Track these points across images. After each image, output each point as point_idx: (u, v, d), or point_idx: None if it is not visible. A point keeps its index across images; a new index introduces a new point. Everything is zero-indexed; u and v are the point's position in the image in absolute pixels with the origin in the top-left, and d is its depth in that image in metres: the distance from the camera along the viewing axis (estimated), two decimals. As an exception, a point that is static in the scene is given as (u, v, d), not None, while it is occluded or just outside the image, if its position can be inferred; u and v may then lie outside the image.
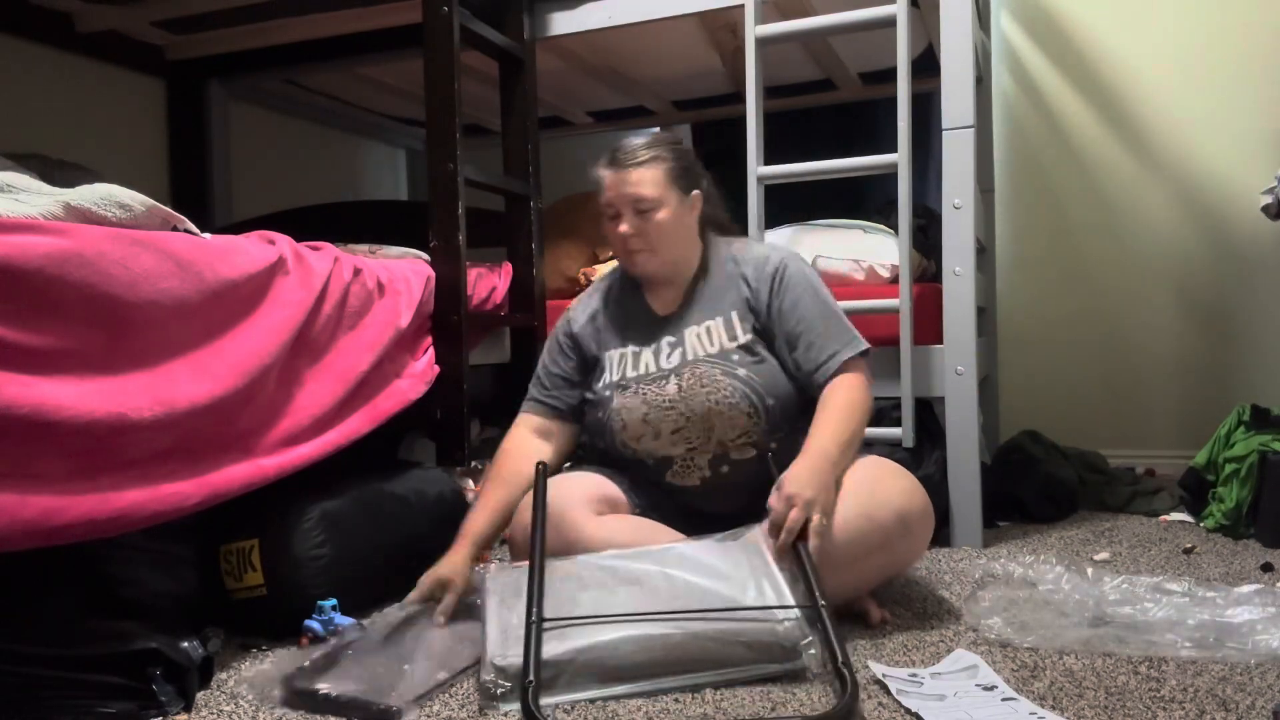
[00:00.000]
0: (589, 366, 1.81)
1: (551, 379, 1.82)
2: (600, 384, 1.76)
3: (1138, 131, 2.94)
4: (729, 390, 1.66)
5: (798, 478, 1.47)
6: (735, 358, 1.69)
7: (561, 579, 1.42)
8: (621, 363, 1.75)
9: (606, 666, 1.28)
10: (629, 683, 1.28)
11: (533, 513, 1.54)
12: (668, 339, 1.74)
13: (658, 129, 3.58)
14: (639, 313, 1.80)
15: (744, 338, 1.71)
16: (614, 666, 1.28)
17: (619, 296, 1.84)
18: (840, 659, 1.24)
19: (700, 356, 1.70)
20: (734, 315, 1.73)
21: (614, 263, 2.59)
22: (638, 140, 1.74)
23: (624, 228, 1.70)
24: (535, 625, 1.28)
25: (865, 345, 1.70)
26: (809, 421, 1.62)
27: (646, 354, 1.74)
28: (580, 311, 1.86)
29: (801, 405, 1.69)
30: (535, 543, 1.46)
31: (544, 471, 1.64)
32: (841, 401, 1.62)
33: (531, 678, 1.21)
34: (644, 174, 1.70)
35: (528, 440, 1.78)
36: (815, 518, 1.43)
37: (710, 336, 1.72)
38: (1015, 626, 1.48)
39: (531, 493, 1.71)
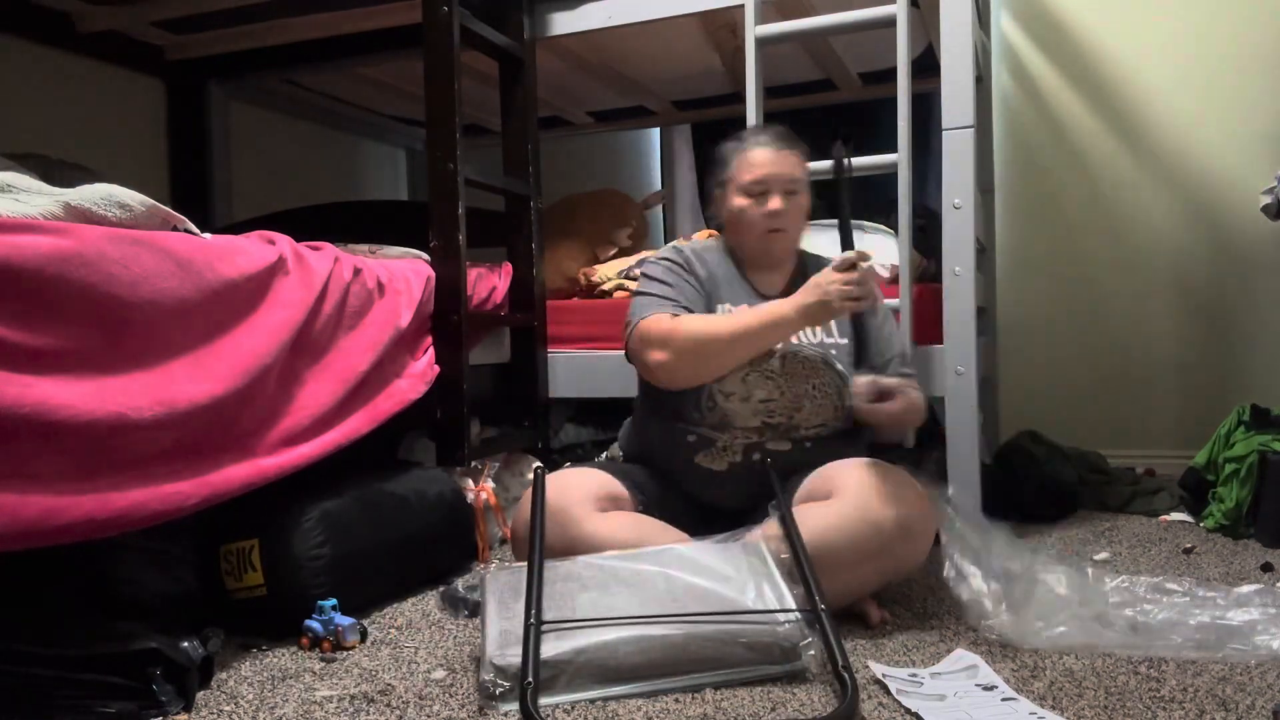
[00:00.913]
0: (703, 302, 1.77)
1: (680, 296, 1.74)
2: None
3: (1138, 131, 2.94)
4: (827, 382, 1.72)
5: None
6: (834, 351, 1.75)
7: (561, 579, 1.42)
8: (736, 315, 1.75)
9: (606, 667, 1.28)
10: (628, 683, 1.28)
11: (530, 514, 1.54)
12: None
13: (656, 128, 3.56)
14: (743, 285, 1.81)
15: (840, 340, 1.77)
16: (613, 667, 1.28)
17: (722, 263, 1.83)
18: (840, 662, 1.24)
19: (804, 342, 1.75)
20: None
21: (616, 263, 2.60)
22: (774, 127, 1.82)
23: (775, 204, 1.74)
24: (534, 627, 1.28)
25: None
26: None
27: None
28: (693, 255, 1.82)
29: None
30: (534, 544, 1.47)
31: (542, 474, 1.64)
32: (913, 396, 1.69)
33: (530, 679, 1.21)
34: (796, 158, 1.78)
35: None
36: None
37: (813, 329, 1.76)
38: (1015, 626, 1.48)
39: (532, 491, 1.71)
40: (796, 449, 1.71)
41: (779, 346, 1.71)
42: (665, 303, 1.73)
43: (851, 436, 1.77)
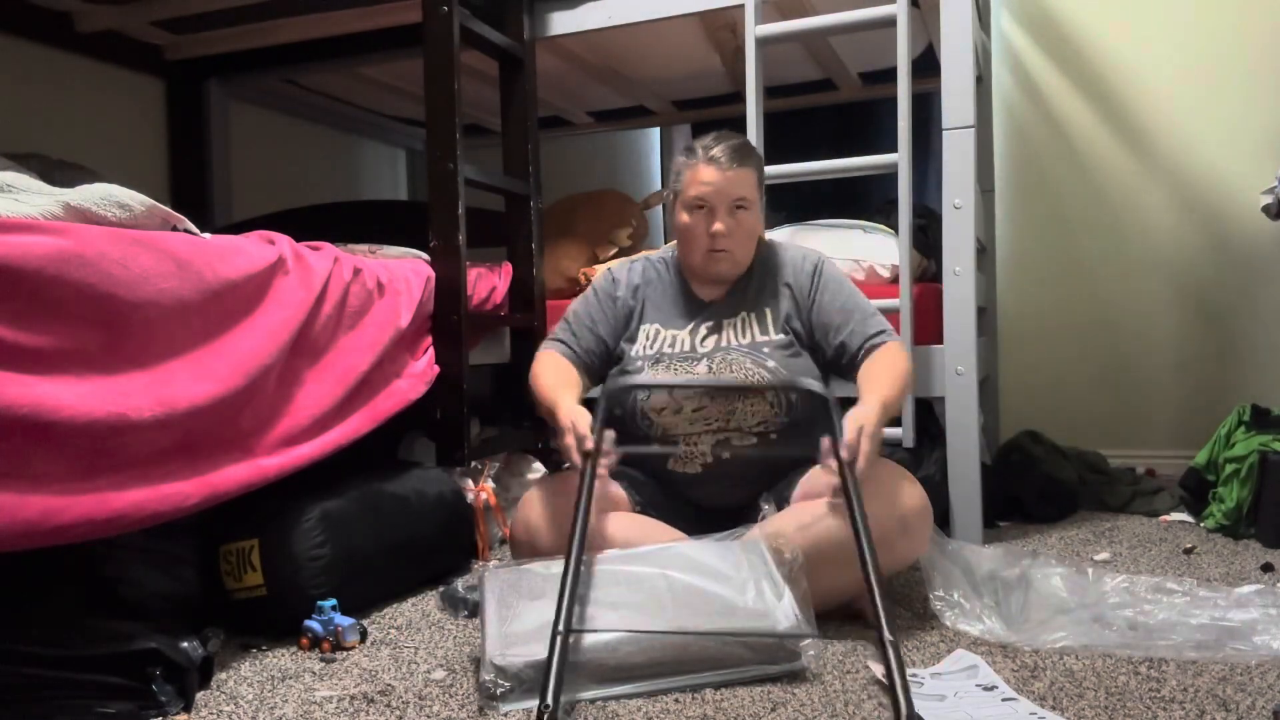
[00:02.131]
0: (620, 331, 1.84)
1: (582, 328, 1.85)
2: (633, 352, 1.79)
3: (1138, 131, 2.94)
4: (757, 378, 1.70)
5: (865, 414, 1.53)
6: (766, 350, 1.74)
7: (560, 578, 1.42)
8: (658, 338, 1.79)
9: (606, 667, 1.28)
10: (628, 683, 1.28)
11: (574, 511, 1.41)
12: (706, 324, 1.79)
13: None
14: (683, 296, 1.84)
15: (776, 336, 1.75)
16: (614, 667, 1.28)
17: (666, 275, 1.87)
18: (905, 705, 1.10)
19: (733, 346, 1.75)
20: (768, 312, 1.78)
21: (615, 261, 2.60)
22: (734, 140, 1.75)
23: (718, 225, 1.71)
24: (562, 636, 1.19)
25: (899, 337, 1.77)
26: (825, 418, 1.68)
27: (684, 335, 1.79)
28: (626, 275, 1.88)
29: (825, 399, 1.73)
30: (576, 537, 1.35)
31: (592, 470, 1.50)
32: (886, 365, 1.67)
33: (549, 702, 1.10)
34: (746, 175, 1.72)
35: (562, 360, 1.81)
36: (866, 447, 1.49)
37: (745, 329, 1.77)
38: (1015, 626, 1.48)
39: (533, 490, 1.72)
40: (763, 441, 1.70)
41: (702, 358, 1.73)
42: (563, 331, 1.86)
43: (821, 419, 1.71)
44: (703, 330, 1.78)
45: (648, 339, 1.80)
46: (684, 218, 1.76)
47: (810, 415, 1.72)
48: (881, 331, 1.74)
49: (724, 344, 1.76)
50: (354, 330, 1.83)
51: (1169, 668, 1.34)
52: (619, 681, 1.28)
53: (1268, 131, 2.79)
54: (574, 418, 1.57)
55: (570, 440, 1.56)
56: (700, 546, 1.51)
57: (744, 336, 1.76)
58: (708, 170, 1.71)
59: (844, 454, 1.47)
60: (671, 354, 1.76)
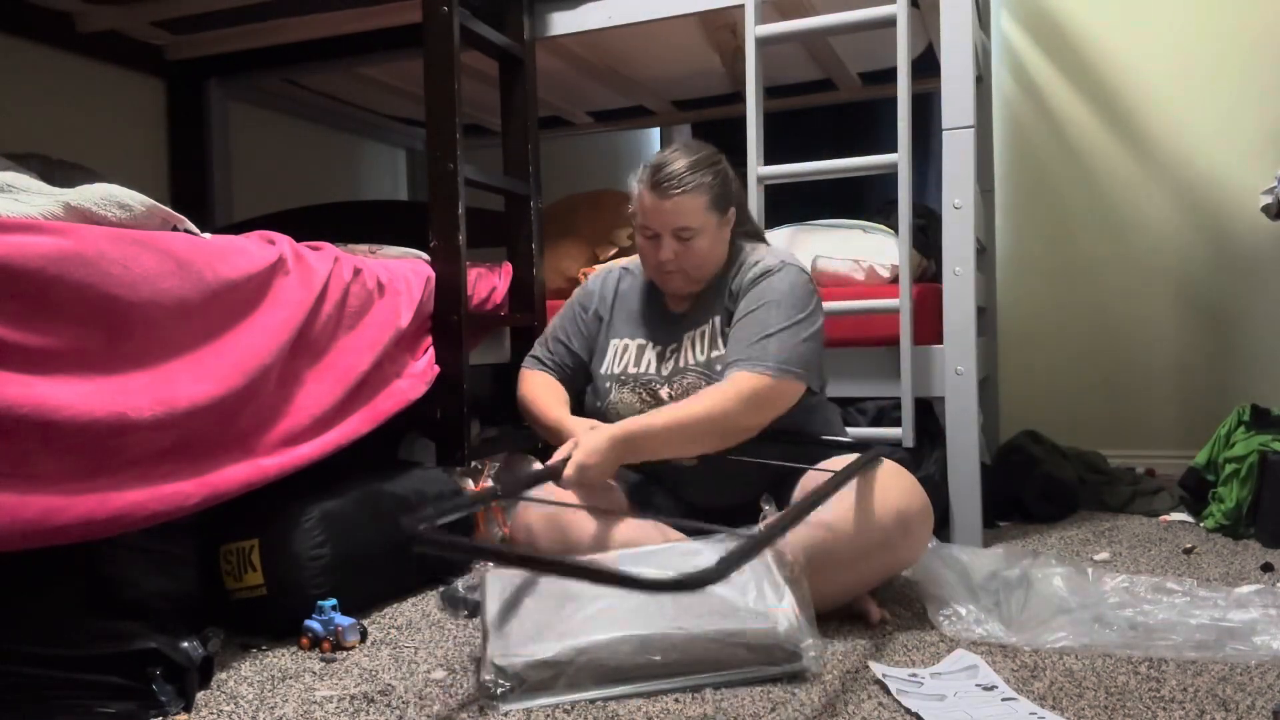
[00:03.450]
0: (591, 345, 1.88)
1: (557, 344, 1.91)
2: (602, 369, 1.81)
3: (1138, 131, 2.94)
4: None
5: (588, 443, 1.55)
6: (718, 369, 1.70)
7: (561, 579, 1.42)
8: (625, 354, 1.79)
9: (606, 667, 1.28)
10: (629, 684, 1.28)
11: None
12: (671, 343, 1.78)
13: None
14: (653, 306, 1.84)
15: (719, 350, 1.72)
16: (614, 667, 1.28)
17: (639, 285, 1.88)
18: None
19: (689, 365, 1.74)
20: (717, 321, 1.75)
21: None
22: (680, 163, 1.68)
23: (664, 254, 1.70)
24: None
25: (777, 371, 1.60)
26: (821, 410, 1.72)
27: (650, 353, 1.78)
28: (600, 286, 1.91)
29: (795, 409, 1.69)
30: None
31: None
32: (703, 395, 1.61)
33: None
34: (686, 202, 1.66)
35: (547, 377, 1.87)
36: (568, 472, 1.52)
37: (701, 344, 1.75)
38: (1015, 627, 1.48)
39: (533, 490, 1.72)
40: (750, 442, 1.66)
41: (664, 381, 1.73)
42: (542, 348, 1.93)
43: (801, 416, 1.71)
44: (667, 351, 1.78)
45: (615, 354, 1.81)
46: (638, 236, 1.76)
47: (794, 421, 1.69)
48: (756, 360, 1.60)
49: (681, 364, 1.74)
50: (354, 330, 1.83)
51: (1169, 668, 1.34)
52: (619, 682, 1.28)
53: (1267, 131, 2.79)
54: (574, 447, 1.59)
55: (573, 473, 1.57)
56: (700, 547, 1.50)
57: (700, 353, 1.74)
58: (650, 197, 1.68)
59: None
60: (636, 375, 1.76)
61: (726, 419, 1.58)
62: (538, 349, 1.94)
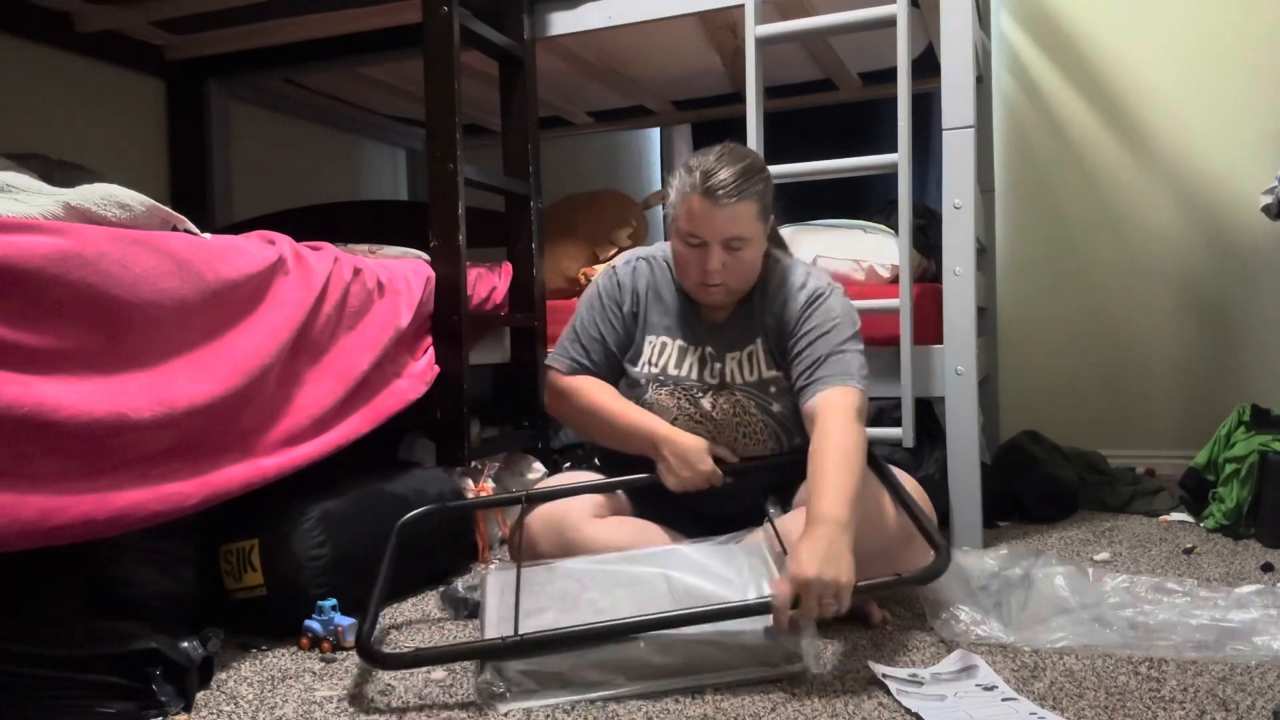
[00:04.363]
0: (626, 341, 1.77)
1: (592, 343, 1.77)
2: (638, 367, 1.74)
3: (1138, 131, 2.95)
4: (760, 426, 1.69)
5: (808, 558, 1.29)
6: (772, 390, 1.68)
7: (562, 579, 1.42)
8: (664, 354, 1.73)
9: (606, 668, 1.28)
10: (629, 685, 1.28)
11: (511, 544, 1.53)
12: (710, 351, 1.72)
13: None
14: (688, 306, 1.75)
15: (774, 371, 1.69)
16: (614, 669, 1.28)
17: (668, 278, 1.77)
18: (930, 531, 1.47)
19: (739, 383, 1.69)
20: (760, 342, 1.71)
21: (619, 257, 2.60)
22: (733, 168, 1.58)
23: (713, 264, 1.60)
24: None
25: (860, 380, 1.60)
26: None
27: (691, 356, 1.72)
28: (630, 278, 1.78)
29: None
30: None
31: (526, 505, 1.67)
32: (835, 450, 1.47)
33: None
34: (741, 211, 1.57)
35: (600, 382, 1.76)
36: (831, 605, 1.29)
37: (750, 365, 1.70)
38: (1015, 627, 1.48)
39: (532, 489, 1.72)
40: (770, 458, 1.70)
41: (709, 391, 1.70)
42: (574, 347, 1.77)
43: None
44: (708, 358, 1.72)
45: (653, 351, 1.74)
46: (678, 245, 1.65)
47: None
48: (841, 375, 1.59)
49: (729, 379, 1.70)
50: (354, 330, 1.83)
51: (1169, 668, 1.34)
52: (619, 684, 1.28)
53: (1267, 131, 2.79)
54: (683, 453, 1.62)
55: (690, 474, 1.60)
56: (701, 549, 1.50)
57: (750, 374, 1.70)
58: (702, 205, 1.57)
59: (778, 619, 1.29)
60: (677, 377, 1.72)
61: (861, 440, 1.52)
62: (570, 349, 1.78)
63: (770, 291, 1.72)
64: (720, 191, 1.56)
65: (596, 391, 1.73)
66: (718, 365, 1.71)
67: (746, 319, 1.72)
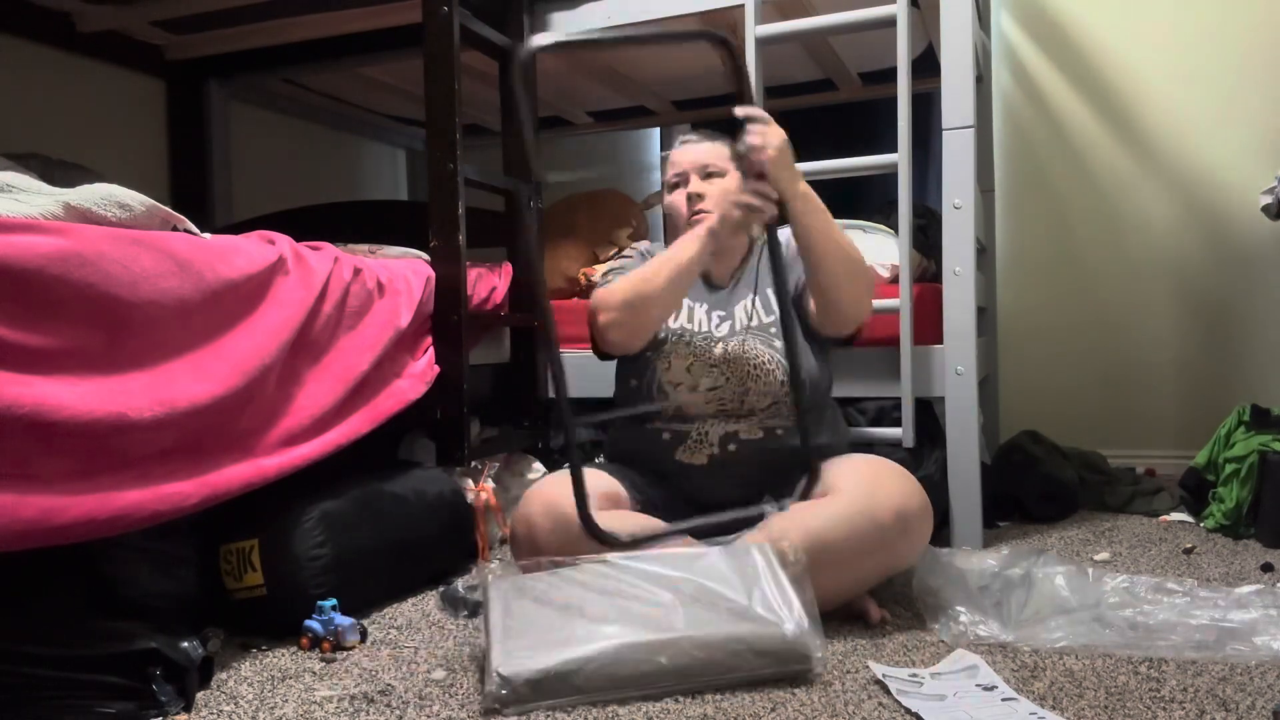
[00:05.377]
0: None
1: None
2: None
3: (1138, 131, 2.94)
4: (767, 359, 1.76)
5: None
6: (774, 330, 1.80)
7: (565, 582, 1.41)
8: (679, 311, 1.87)
9: (616, 676, 1.27)
10: (635, 689, 1.28)
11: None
12: (718, 311, 1.86)
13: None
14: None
15: (774, 316, 1.81)
16: (623, 676, 1.27)
17: None
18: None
19: (746, 327, 1.81)
20: (769, 292, 1.82)
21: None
22: (705, 133, 1.92)
23: (692, 188, 1.82)
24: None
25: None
26: (831, 408, 1.84)
27: (699, 311, 1.86)
28: (638, 251, 2.00)
29: (828, 386, 1.87)
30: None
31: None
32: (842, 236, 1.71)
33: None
34: (710, 147, 1.87)
35: None
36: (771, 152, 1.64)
37: (754, 311, 1.84)
38: (1015, 626, 1.48)
39: (533, 489, 1.72)
40: (769, 437, 1.74)
41: (720, 337, 1.80)
42: (614, 274, 1.89)
43: (819, 417, 1.78)
44: (715, 316, 1.85)
45: None
46: (669, 197, 1.88)
47: (826, 390, 1.84)
48: None
49: (737, 327, 1.82)
50: (354, 330, 1.83)
51: (1169, 668, 1.34)
52: (628, 690, 1.27)
53: (1267, 131, 2.79)
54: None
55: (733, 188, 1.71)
56: (704, 549, 1.50)
57: (753, 320, 1.83)
58: (678, 150, 1.90)
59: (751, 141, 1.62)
60: (692, 330, 1.83)
61: (858, 254, 1.74)
62: (609, 276, 1.90)
63: (761, 255, 1.89)
64: (693, 138, 1.90)
65: (624, 280, 1.81)
66: (726, 319, 1.84)
67: (747, 276, 1.89)
